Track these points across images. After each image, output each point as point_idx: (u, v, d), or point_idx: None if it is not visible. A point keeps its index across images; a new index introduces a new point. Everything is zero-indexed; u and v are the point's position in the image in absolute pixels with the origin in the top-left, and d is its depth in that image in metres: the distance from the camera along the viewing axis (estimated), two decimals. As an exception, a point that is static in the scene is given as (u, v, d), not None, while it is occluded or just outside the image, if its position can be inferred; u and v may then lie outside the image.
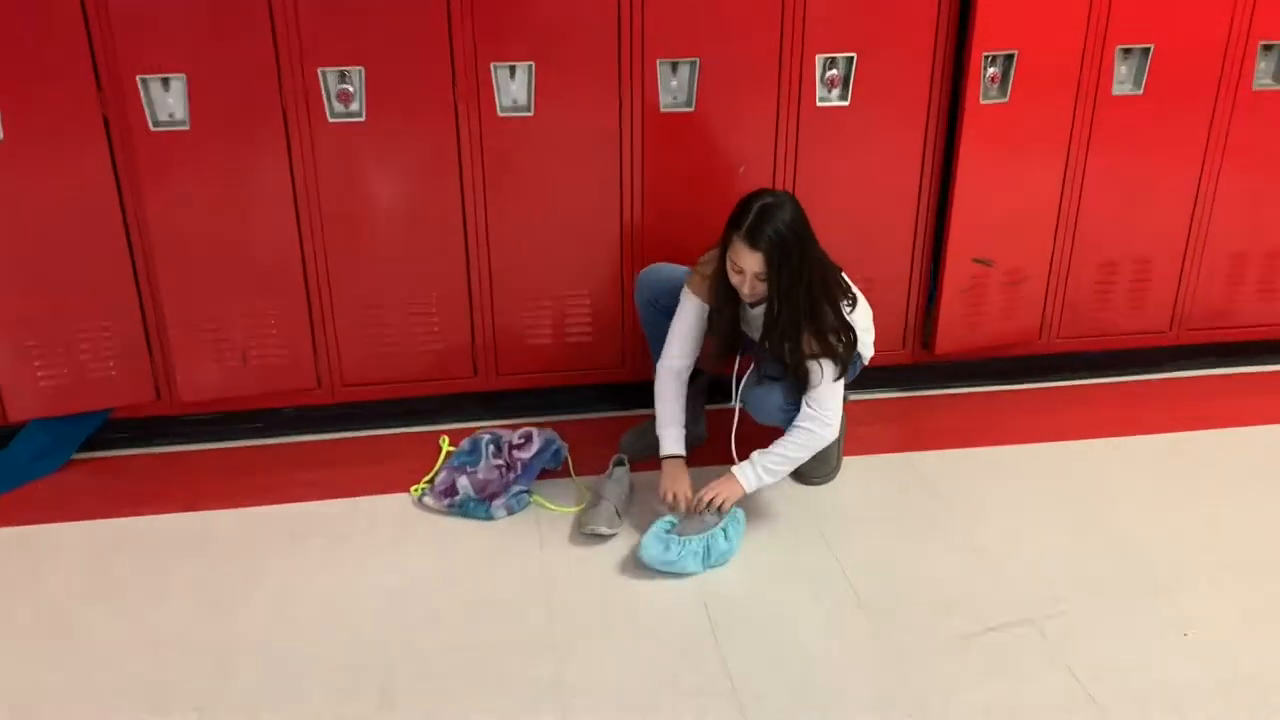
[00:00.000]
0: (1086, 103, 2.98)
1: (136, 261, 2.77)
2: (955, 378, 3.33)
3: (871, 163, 2.98)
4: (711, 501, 2.51)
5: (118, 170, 2.66)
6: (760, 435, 2.59)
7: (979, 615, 2.31)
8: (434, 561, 2.51)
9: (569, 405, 3.14)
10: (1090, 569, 2.48)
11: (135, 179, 2.67)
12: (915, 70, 2.89)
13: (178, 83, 2.60)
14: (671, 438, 2.66)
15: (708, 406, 2.97)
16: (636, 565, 2.47)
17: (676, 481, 2.61)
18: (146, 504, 2.72)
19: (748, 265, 2.38)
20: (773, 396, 2.56)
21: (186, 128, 2.64)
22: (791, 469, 2.59)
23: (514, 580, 2.44)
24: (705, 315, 2.62)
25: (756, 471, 2.54)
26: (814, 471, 2.79)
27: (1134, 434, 3.06)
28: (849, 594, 2.38)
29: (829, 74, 2.86)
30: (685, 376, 2.69)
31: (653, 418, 2.70)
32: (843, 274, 2.59)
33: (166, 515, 2.68)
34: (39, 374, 2.78)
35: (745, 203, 2.41)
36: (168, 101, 2.63)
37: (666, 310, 2.76)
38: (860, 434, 2.99)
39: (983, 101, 2.89)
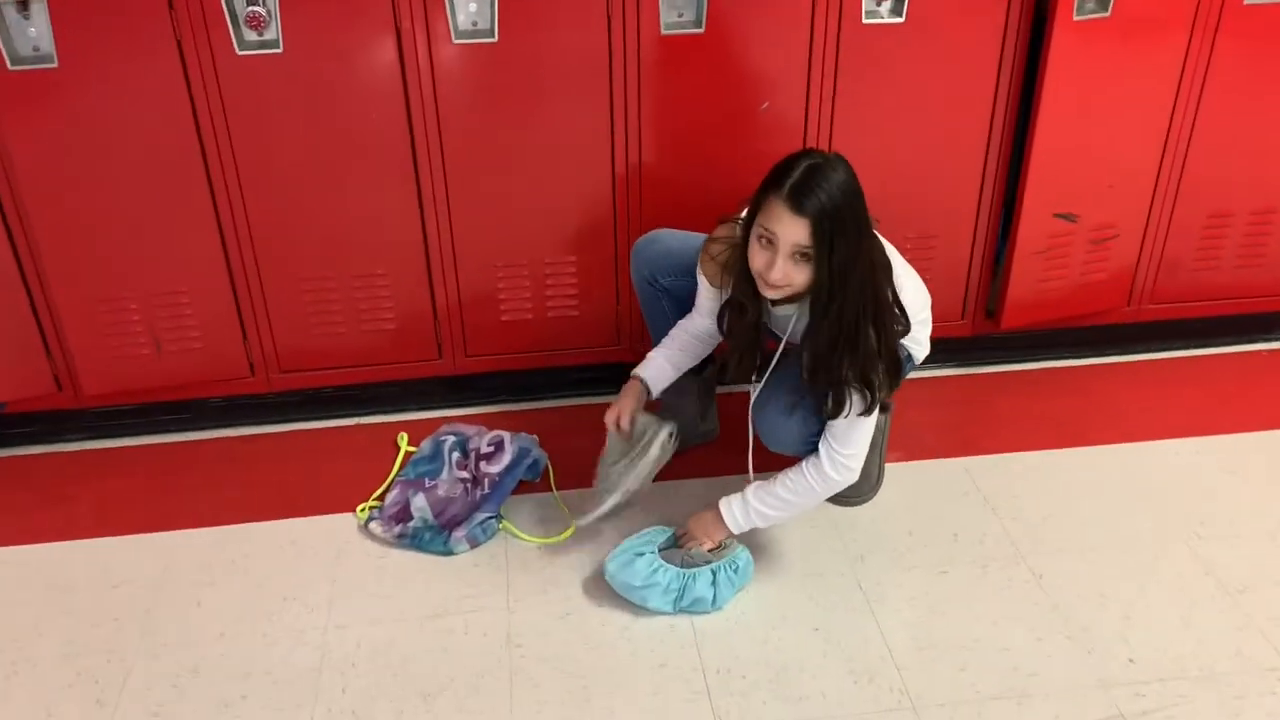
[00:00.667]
0: (1209, 17, 2.33)
1: (11, 230, 2.24)
2: (1024, 350, 2.76)
3: (930, 95, 2.36)
4: (687, 543, 2.04)
5: (-28, 118, 2.12)
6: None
7: (1062, 709, 1.81)
8: (364, 628, 2.00)
9: (552, 390, 2.63)
10: (1212, 636, 1.95)
11: (-3, 131, 2.13)
12: (991, -25, 2.25)
13: (39, 7, 2.03)
14: (649, 359, 2.18)
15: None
16: (628, 606, 2.00)
17: (622, 401, 2.14)
18: (29, 522, 2.27)
19: (786, 234, 1.76)
20: (792, 423, 1.99)
21: (54, 64, 2.07)
22: (792, 517, 2.06)
23: (470, 655, 1.95)
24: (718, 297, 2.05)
25: (746, 510, 2.02)
26: (850, 490, 2.26)
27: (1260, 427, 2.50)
28: (893, 681, 1.87)
29: (879, -18, 2.23)
30: (703, 345, 2.18)
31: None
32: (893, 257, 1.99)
33: (38, 546, 2.22)
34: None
35: (787, 161, 1.80)
36: (29, 32, 2.06)
37: (668, 290, 2.21)
38: (909, 423, 2.44)
39: (1077, 17, 2.24)
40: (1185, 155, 2.50)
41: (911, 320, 2.02)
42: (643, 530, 2.09)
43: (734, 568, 2.03)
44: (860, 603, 2.03)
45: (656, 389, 2.18)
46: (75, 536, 2.23)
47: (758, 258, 1.83)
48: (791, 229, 1.76)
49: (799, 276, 1.80)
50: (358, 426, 2.57)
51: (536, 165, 2.34)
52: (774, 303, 1.95)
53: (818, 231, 1.75)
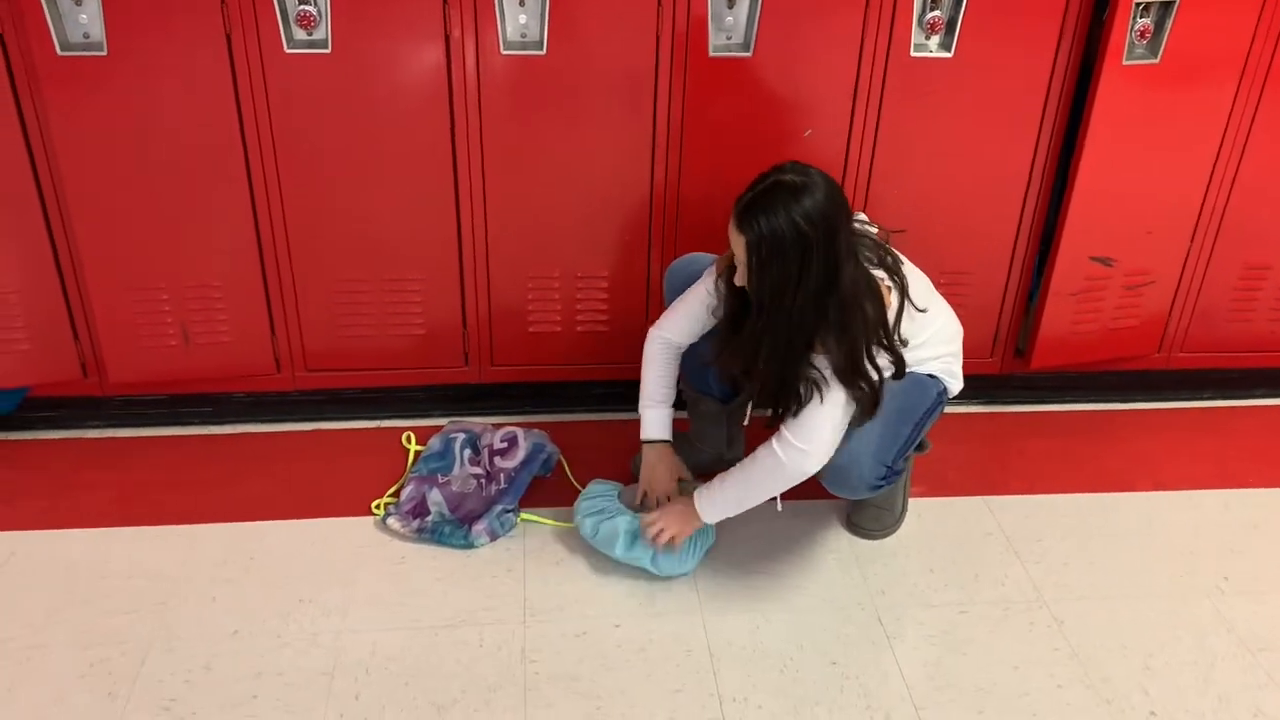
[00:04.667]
0: (1258, 67, 2.31)
1: (49, 216, 2.24)
2: (1051, 390, 2.74)
3: (974, 131, 2.35)
4: (657, 538, 2.07)
5: (19, 103, 2.12)
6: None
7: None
8: (378, 634, 1.99)
9: (577, 404, 2.62)
10: (1233, 693, 1.92)
11: (42, 112, 2.13)
12: (1041, 17, 2.23)
13: (92, -6, 2.04)
14: (652, 420, 2.17)
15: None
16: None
17: (657, 477, 2.17)
18: (51, 507, 2.26)
19: (735, 248, 1.83)
20: (862, 461, 1.98)
21: (103, 53, 2.07)
22: (756, 501, 2.03)
23: (483, 669, 1.93)
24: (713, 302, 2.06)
25: (713, 500, 2.04)
26: (873, 523, 2.26)
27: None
28: None
29: (930, 16, 2.22)
30: (677, 354, 2.16)
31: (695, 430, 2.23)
32: (912, 284, 1.96)
33: (57, 532, 2.20)
34: (-65, 345, 2.30)
35: (764, 173, 1.82)
36: (80, 19, 2.07)
37: None
38: (934, 458, 2.41)
39: (1126, 62, 2.23)
40: (1225, 205, 2.48)
41: (944, 350, 2.03)
42: (591, 488, 2.20)
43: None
44: (880, 637, 2.01)
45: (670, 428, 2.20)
46: (94, 525, 2.22)
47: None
48: (735, 242, 1.82)
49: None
50: (380, 430, 2.56)
51: (575, 180, 2.34)
52: None
53: (754, 251, 1.77)
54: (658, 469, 2.17)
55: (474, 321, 2.48)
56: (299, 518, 2.26)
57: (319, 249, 2.35)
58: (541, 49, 2.17)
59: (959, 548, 2.25)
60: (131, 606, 2.02)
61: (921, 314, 1.97)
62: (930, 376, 2.07)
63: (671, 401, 2.19)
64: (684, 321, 2.11)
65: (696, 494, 2.05)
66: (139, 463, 2.43)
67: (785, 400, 1.89)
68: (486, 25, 2.15)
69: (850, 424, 1.93)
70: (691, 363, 2.20)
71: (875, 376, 1.87)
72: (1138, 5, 2.17)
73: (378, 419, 2.58)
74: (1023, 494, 2.42)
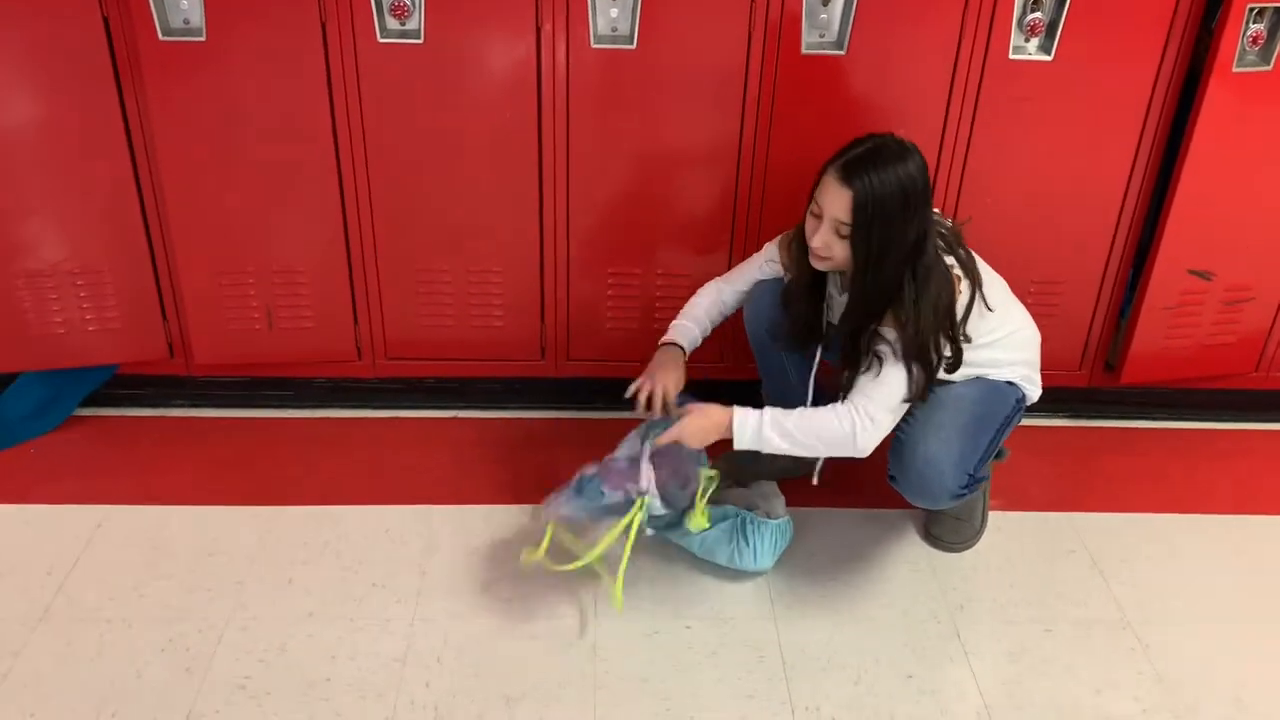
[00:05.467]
0: (1378, 77, 2.22)
1: (144, 198, 2.28)
2: (1141, 407, 2.66)
3: (1072, 137, 2.28)
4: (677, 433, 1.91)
5: (120, 86, 2.16)
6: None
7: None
8: (450, 623, 2.00)
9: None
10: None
11: (141, 96, 2.17)
12: (1148, 21, 2.16)
13: (194, -20, 2.07)
14: (676, 328, 2.14)
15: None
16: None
17: (665, 372, 2.03)
18: (137, 483, 2.30)
19: (830, 207, 1.80)
20: (943, 469, 1.94)
21: (202, 38, 2.11)
22: (788, 449, 1.89)
23: (554, 663, 1.93)
24: (777, 276, 2.10)
25: (763, 427, 1.86)
26: (953, 535, 2.21)
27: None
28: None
29: (1030, 17, 2.16)
30: (724, 301, 2.18)
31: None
32: (986, 283, 1.93)
33: (142, 508, 2.24)
34: (31, 321, 2.35)
35: (858, 139, 1.82)
36: (181, 5, 2.10)
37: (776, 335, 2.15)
38: (1015, 472, 2.37)
39: (1236, 69, 2.16)
40: (1335, 219, 2.39)
41: (1019, 355, 2.02)
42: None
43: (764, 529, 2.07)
44: (958, 653, 1.96)
45: (691, 350, 2.13)
46: (176, 502, 2.26)
47: (808, 227, 1.87)
48: (836, 201, 1.79)
49: (839, 250, 1.83)
50: (456, 420, 2.57)
51: (659, 177, 2.32)
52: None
53: (860, 207, 1.76)
54: (666, 365, 2.05)
55: (551, 315, 2.48)
56: (375, 503, 2.28)
57: (404, 238, 2.37)
58: (632, 43, 2.16)
59: (1041, 564, 2.19)
60: (210, 584, 2.05)
61: (992, 313, 1.93)
62: (1009, 384, 2.03)
63: (703, 329, 2.15)
64: (741, 280, 2.17)
65: (739, 412, 1.89)
66: (220, 442, 2.47)
67: (850, 362, 1.88)
68: (578, 18, 2.14)
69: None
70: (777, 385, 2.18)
71: (935, 360, 1.85)
72: (1251, 10, 2.10)
73: (453, 409, 2.59)
74: (1108, 511, 2.35)
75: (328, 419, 2.56)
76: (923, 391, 1.87)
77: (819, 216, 1.83)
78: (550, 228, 2.37)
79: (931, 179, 1.86)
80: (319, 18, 2.12)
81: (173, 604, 2.00)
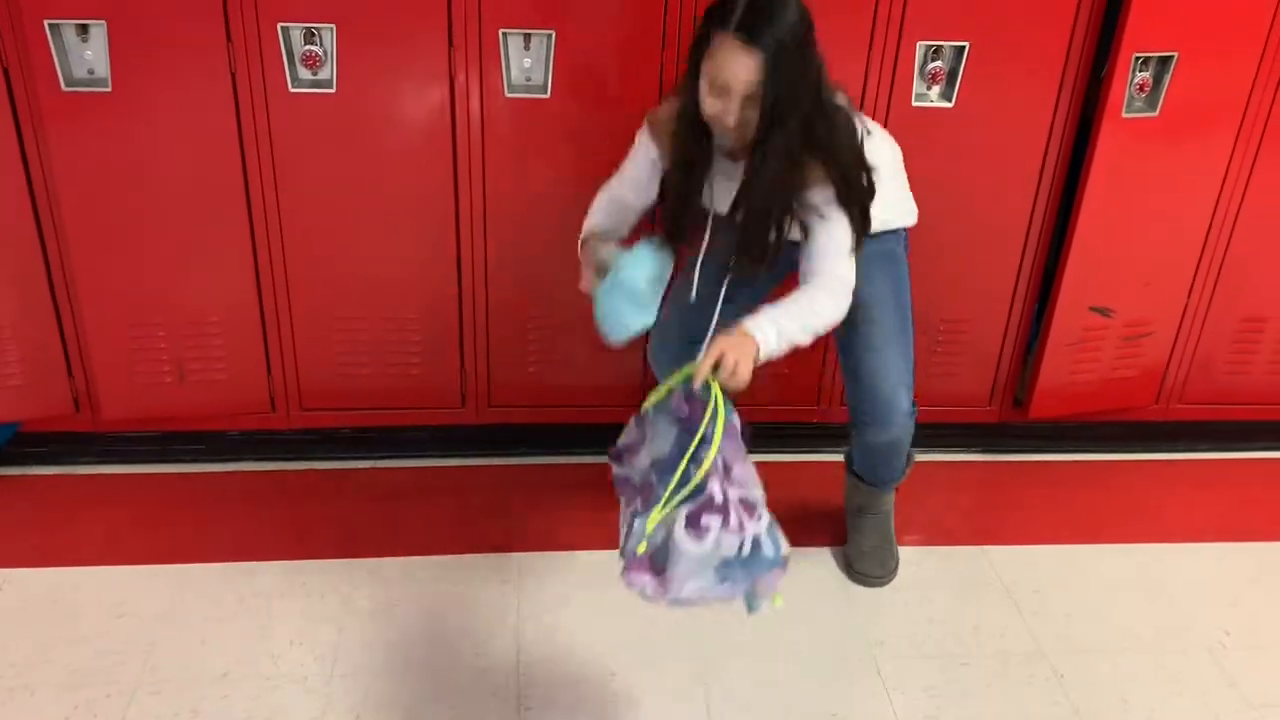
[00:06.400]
0: (1256, 122, 2.34)
1: (48, 250, 2.23)
2: (1049, 440, 2.73)
3: (975, 180, 2.36)
4: (719, 368, 1.63)
5: (21, 137, 2.12)
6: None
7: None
8: (369, 680, 1.96)
9: (577, 445, 2.58)
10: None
11: (44, 147, 2.13)
12: (1042, 69, 2.26)
13: (98, 30, 2.04)
14: (593, 223, 1.98)
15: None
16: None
17: (586, 255, 1.90)
18: (41, 543, 2.22)
19: (736, 76, 1.62)
20: (897, 387, 1.98)
21: (108, 89, 2.08)
22: (805, 341, 1.78)
23: (485, 709, 1.91)
24: (657, 168, 1.90)
25: (779, 332, 1.73)
26: (873, 569, 2.24)
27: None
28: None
29: (931, 66, 2.24)
30: (621, 207, 1.98)
31: None
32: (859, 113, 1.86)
33: (46, 570, 2.17)
34: (-73, 378, 2.28)
35: None
36: (85, 55, 2.07)
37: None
38: (931, 507, 2.42)
39: (1125, 114, 2.26)
40: (1224, 257, 2.50)
41: (896, 182, 1.99)
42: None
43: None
44: (879, 689, 1.98)
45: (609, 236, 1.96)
46: (83, 563, 2.19)
47: (709, 108, 1.70)
48: (742, 67, 1.62)
49: (753, 117, 1.67)
50: (374, 470, 2.54)
51: (578, 223, 2.33)
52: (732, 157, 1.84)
53: (770, 65, 1.61)
54: (587, 248, 1.91)
55: (471, 361, 2.47)
56: (292, 558, 2.23)
57: (318, 287, 2.35)
58: (545, 91, 2.19)
59: (958, 598, 2.23)
60: (120, 646, 1.99)
61: (870, 136, 1.85)
62: (890, 233, 2.01)
63: (610, 224, 1.97)
64: (628, 176, 1.96)
65: (747, 324, 1.71)
66: (129, 499, 2.40)
67: (772, 247, 1.79)
68: (491, 68, 2.16)
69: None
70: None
71: (867, 189, 1.79)
72: (1137, 59, 2.20)
73: (371, 460, 2.56)
74: (1021, 544, 2.40)
75: (242, 472, 2.50)
76: (863, 230, 1.80)
77: (724, 90, 1.66)
78: (468, 273, 2.37)
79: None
80: (228, 68, 2.10)
81: (80, 668, 1.93)
